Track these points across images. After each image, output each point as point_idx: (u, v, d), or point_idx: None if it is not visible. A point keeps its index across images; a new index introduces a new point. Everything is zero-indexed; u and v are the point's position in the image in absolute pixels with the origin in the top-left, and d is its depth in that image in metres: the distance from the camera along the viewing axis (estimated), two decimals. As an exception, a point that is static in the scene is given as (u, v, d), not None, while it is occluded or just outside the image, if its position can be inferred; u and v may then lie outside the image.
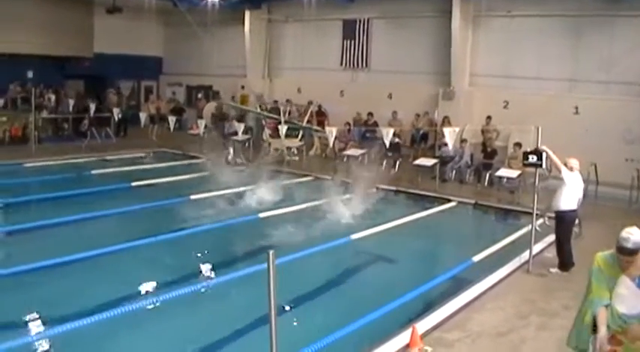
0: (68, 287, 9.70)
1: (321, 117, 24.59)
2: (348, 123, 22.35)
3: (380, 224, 13.23)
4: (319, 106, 24.91)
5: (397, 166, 19.76)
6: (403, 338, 7.44)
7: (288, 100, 25.47)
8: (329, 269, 10.81)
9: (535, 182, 10.78)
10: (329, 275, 10.49)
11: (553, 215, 11.02)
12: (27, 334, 7.82)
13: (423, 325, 7.90)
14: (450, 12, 21.24)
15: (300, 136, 22.13)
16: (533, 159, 10.37)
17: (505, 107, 20.59)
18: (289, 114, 23.52)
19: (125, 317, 8.25)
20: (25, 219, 13.29)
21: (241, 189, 16.82)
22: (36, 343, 7.64)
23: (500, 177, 17.08)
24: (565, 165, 10.43)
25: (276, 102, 26.13)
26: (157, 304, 8.83)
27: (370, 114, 22.38)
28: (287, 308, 8.79)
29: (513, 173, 16.52)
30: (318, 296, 9.74)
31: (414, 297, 9.35)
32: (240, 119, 24.60)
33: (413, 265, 11.09)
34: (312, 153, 22.31)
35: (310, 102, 24.75)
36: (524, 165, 11.24)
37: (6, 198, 15.38)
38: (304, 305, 9.28)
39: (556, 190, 10.60)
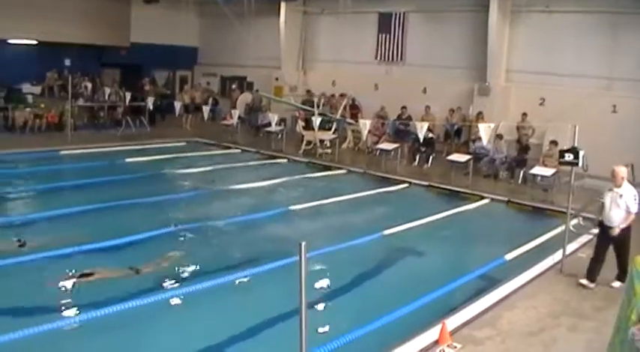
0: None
1: (354, 110, 24.52)
2: (381, 117, 22.27)
3: (412, 220, 13.14)
4: (353, 99, 24.84)
5: (430, 161, 19.64)
6: (432, 334, 7.43)
7: (323, 93, 25.46)
8: (360, 264, 10.75)
9: (570, 181, 10.65)
10: (360, 270, 10.45)
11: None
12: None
13: (453, 322, 7.87)
14: (488, 7, 20.98)
15: (333, 129, 22.07)
16: (569, 157, 10.24)
17: (541, 104, 20.33)
18: (323, 106, 23.50)
19: (157, 304, 8.45)
20: (61, 205, 13.47)
21: (273, 181, 16.88)
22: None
23: (535, 175, 16.89)
24: (614, 176, 9.57)
25: (309, 92, 26.12)
26: (184, 295, 8.94)
27: (404, 107, 22.25)
28: (318, 299, 8.81)
29: (548, 171, 16.33)
30: (349, 290, 9.72)
31: (445, 293, 9.33)
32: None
33: (444, 262, 11.03)
34: (344, 146, 22.27)
35: (344, 95, 24.71)
36: (560, 163, 11.10)
37: (43, 184, 15.69)
38: (335, 298, 9.30)
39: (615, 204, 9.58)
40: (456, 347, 7.21)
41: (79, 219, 12.70)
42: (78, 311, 8.23)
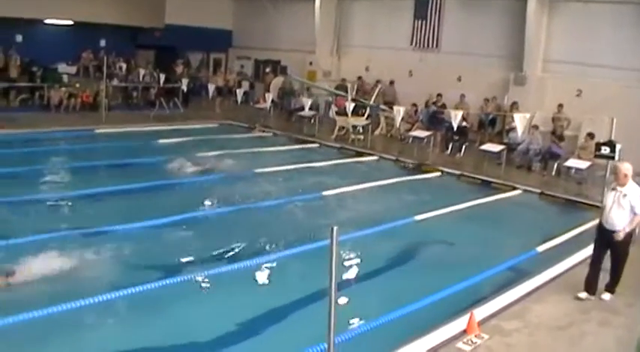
0: (141, 251, 10.02)
1: (389, 96, 24.40)
2: (415, 104, 22.16)
3: (443, 207, 13.12)
4: (391, 82, 24.71)
5: (463, 150, 19.50)
6: (460, 323, 7.40)
7: (359, 78, 25.38)
8: (390, 249, 10.78)
9: (606, 174, 10.50)
10: (391, 255, 10.49)
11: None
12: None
13: (482, 312, 7.82)
14: (526, -5, 20.79)
15: (366, 115, 21.99)
16: (605, 150, 10.11)
17: (578, 95, 20.02)
18: (356, 92, 23.45)
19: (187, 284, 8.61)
20: (95, 184, 13.72)
21: (305, 165, 16.90)
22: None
23: (569, 168, 16.69)
24: (617, 173, 8.69)
25: (343, 80, 26.04)
26: (213, 277, 9.02)
27: (439, 95, 22.09)
28: (348, 283, 8.84)
29: (583, 164, 16.12)
30: (379, 275, 9.76)
31: (474, 283, 9.29)
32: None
33: (474, 251, 10.93)
34: (377, 132, 22.19)
35: (378, 81, 24.63)
36: (596, 156, 10.96)
37: (79, 162, 15.95)
38: (365, 282, 9.32)
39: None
40: (483, 338, 7.17)
41: (109, 199, 12.90)
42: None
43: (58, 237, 10.07)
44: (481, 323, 7.49)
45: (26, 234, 9.95)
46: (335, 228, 4.73)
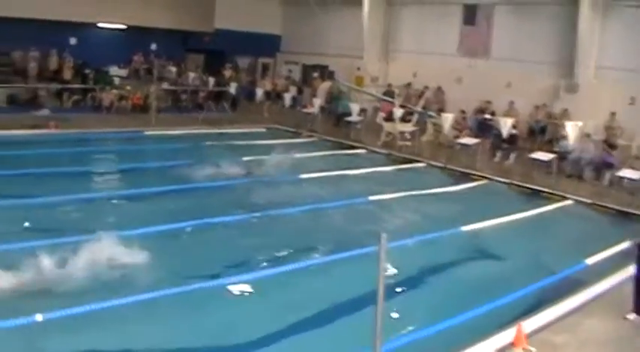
0: (186, 252, 10.15)
1: (436, 102, 24.24)
2: (463, 111, 21.96)
3: (491, 217, 12.93)
4: (439, 88, 24.53)
5: (512, 158, 19.23)
6: (508, 335, 7.27)
7: (409, 84, 25.27)
8: (437, 258, 10.70)
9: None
10: (437, 265, 10.40)
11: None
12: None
13: (530, 324, 7.67)
14: (578, 0, 20.42)
15: (414, 121, 21.85)
16: (661, 161, 9.86)
17: (631, 103, 19.65)
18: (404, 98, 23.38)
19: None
20: (145, 184, 14.03)
21: (352, 171, 16.86)
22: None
23: (621, 178, 16.35)
24: None
25: (390, 85, 25.94)
26: (255, 280, 9.08)
27: (488, 102, 21.86)
28: (394, 291, 8.78)
29: (636, 174, 15.77)
30: (425, 284, 9.71)
31: (522, 295, 9.15)
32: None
33: (523, 262, 10.77)
34: (424, 139, 22.04)
35: (426, 87, 24.49)
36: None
37: (128, 163, 16.24)
38: (411, 291, 9.26)
39: None
40: (531, 351, 7.04)
41: (156, 200, 13.12)
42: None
43: (108, 236, 10.23)
44: (529, 335, 7.33)
45: (76, 233, 10.14)
46: (384, 235, 4.71)
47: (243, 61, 33.11)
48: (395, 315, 7.85)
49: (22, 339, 6.93)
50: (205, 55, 32.13)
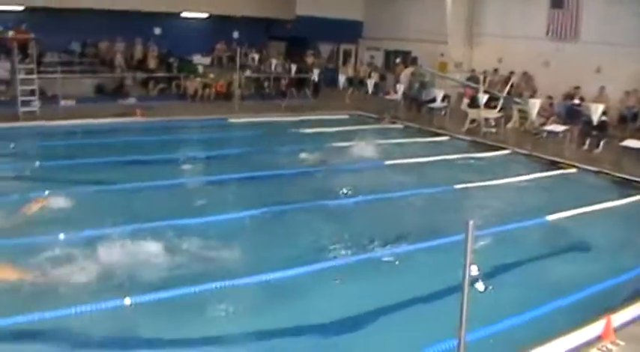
0: (270, 238, 10.32)
1: (522, 88, 23.68)
2: (551, 97, 21.38)
3: (579, 206, 12.52)
4: (525, 73, 23.97)
5: (601, 146, 18.59)
6: (596, 328, 7.09)
7: (496, 70, 24.79)
8: (523, 248, 10.47)
9: None
10: (522, 254, 10.14)
11: None
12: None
13: (619, 318, 7.44)
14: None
15: (499, 108, 21.39)
16: None
17: None
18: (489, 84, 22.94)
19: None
20: (230, 171, 14.25)
21: (436, 158, 16.68)
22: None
23: None
24: None
25: (473, 70, 25.50)
26: (341, 267, 9.11)
27: (577, 88, 21.19)
28: (478, 280, 8.64)
29: None
30: (510, 273, 9.49)
31: (611, 287, 8.85)
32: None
33: (612, 253, 10.43)
34: (509, 125, 21.58)
35: (512, 73, 23.96)
36: None
37: (212, 150, 16.75)
38: (492, 280, 9.08)
39: None
40: (619, 345, 6.84)
41: (240, 186, 13.39)
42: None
43: (194, 222, 10.51)
44: (617, 329, 7.13)
45: (164, 217, 10.42)
46: (470, 222, 4.62)
47: (325, 48, 33.14)
48: (480, 305, 7.72)
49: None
50: (287, 42, 32.32)
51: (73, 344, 6.76)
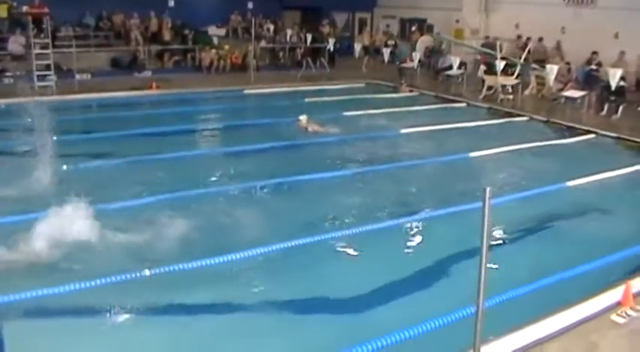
0: (286, 207, 10.39)
1: (539, 54, 23.39)
2: (568, 63, 21.13)
3: (598, 172, 12.42)
4: (540, 39, 23.66)
5: (619, 111, 18.39)
6: (615, 294, 7.04)
7: (519, 36, 24.45)
8: (541, 215, 10.38)
9: None
10: (540, 222, 10.09)
11: None
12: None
13: (638, 284, 7.38)
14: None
15: (516, 74, 21.15)
16: None
17: None
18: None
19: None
20: (247, 141, 14.33)
21: (453, 126, 16.60)
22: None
23: None
24: None
25: (487, 37, 25.22)
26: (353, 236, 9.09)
27: (595, 53, 20.92)
28: (496, 248, 8.63)
29: None
30: (529, 240, 9.47)
31: (631, 254, 8.77)
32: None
33: (631, 220, 10.35)
34: (527, 92, 21.37)
35: (528, 38, 23.66)
36: None
37: (229, 121, 16.84)
38: (514, 247, 9.10)
39: None
40: (638, 310, 6.80)
41: (258, 156, 13.40)
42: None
43: (210, 192, 10.72)
44: (637, 295, 7.09)
45: (185, 188, 10.67)
46: (487, 189, 4.58)
47: (340, 17, 32.89)
48: (498, 272, 7.72)
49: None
50: (302, 12, 32.15)
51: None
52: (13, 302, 6.77)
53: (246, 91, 21.14)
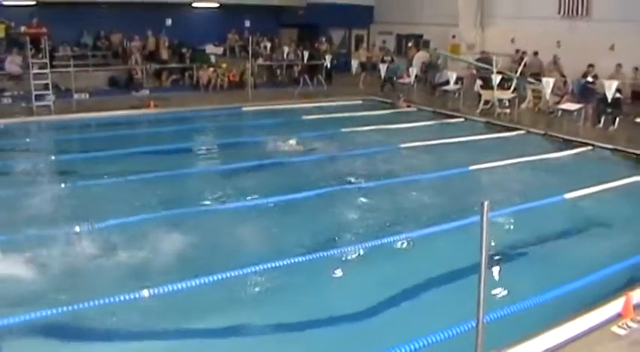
0: (286, 223, 10.39)
1: (534, 68, 23.47)
2: (564, 76, 21.22)
3: (596, 184, 12.45)
4: (535, 53, 23.73)
5: (616, 123, 18.45)
6: (615, 306, 7.03)
7: (517, 51, 24.50)
8: (539, 228, 10.38)
9: None
10: (539, 235, 10.08)
11: None
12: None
13: (639, 295, 7.38)
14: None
15: (512, 88, 21.22)
16: None
17: None
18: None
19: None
20: (246, 159, 14.39)
21: (450, 140, 16.65)
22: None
23: None
24: None
25: (483, 52, 25.32)
26: (361, 251, 9.10)
27: (591, 66, 21.00)
28: (495, 261, 8.64)
29: None
30: (527, 253, 9.47)
31: (630, 266, 8.78)
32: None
33: (630, 232, 10.36)
34: (523, 106, 21.44)
35: (524, 53, 23.77)
36: None
37: (228, 138, 16.89)
38: (512, 261, 9.11)
39: None
40: (639, 322, 6.81)
41: (257, 173, 13.46)
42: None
43: (208, 210, 10.75)
44: (637, 306, 7.09)
45: (188, 205, 10.77)
46: (486, 203, 4.61)
47: (337, 34, 33.03)
48: (498, 286, 7.75)
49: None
50: (299, 29, 32.28)
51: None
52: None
53: (244, 109, 21.17)
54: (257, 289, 7.96)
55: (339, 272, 8.53)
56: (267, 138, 16.38)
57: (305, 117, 19.80)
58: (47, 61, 19.21)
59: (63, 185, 11.81)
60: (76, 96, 20.07)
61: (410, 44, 29.13)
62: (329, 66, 25.95)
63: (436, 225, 10.20)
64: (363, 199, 11.81)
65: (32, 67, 18.94)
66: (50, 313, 6.88)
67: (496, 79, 20.35)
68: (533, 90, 21.50)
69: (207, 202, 11.26)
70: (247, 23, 29.76)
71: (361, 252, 9.08)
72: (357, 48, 32.10)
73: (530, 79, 21.77)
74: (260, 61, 27.05)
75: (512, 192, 12.33)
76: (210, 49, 27.35)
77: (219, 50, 27.80)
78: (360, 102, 23.38)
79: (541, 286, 7.81)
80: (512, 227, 10.07)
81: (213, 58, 26.24)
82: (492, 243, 9.19)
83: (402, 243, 9.50)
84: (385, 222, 10.37)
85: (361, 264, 8.83)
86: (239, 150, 15.81)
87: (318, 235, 9.70)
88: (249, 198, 11.44)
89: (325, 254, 8.85)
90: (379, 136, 17.08)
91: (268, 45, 28.78)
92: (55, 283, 7.85)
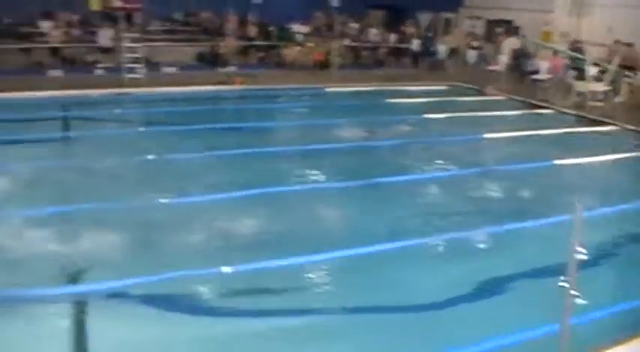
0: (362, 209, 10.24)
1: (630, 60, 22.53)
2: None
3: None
4: (630, 44, 22.74)
5: None
6: None
7: (618, 41, 23.64)
8: (632, 231, 9.94)
9: None
10: (631, 239, 9.69)
11: None
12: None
13: None
14: None
15: (608, 81, 20.37)
16: None
17: None
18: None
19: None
20: (327, 140, 14.41)
21: (538, 132, 16.19)
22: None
23: None
24: None
25: (576, 41, 24.44)
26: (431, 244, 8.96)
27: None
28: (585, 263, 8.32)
29: None
30: (619, 258, 9.08)
31: None
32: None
33: None
34: (618, 99, 20.63)
35: (620, 43, 22.82)
36: None
37: (312, 119, 17.07)
38: (602, 265, 8.66)
39: None
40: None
41: (337, 156, 13.46)
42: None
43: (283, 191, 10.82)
44: None
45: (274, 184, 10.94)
46: (579, 205, 4.44)
47: (425, 17, 32.57)
48: (585, 289, 7.45)
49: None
50: (386, 11, 31.99)
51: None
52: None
53: (327, 90, 21.16)
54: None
55: (413, 264, 8.37)
56: (351, 119, 16.32)
57: (389, 100, 19.65)
58: (140, 34, 19.60)
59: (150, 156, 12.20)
60: (164, 69, 20.41)
61: (500, 30, 28.44)
62: (415, 49, 25.62)
63: (517, 222, 9.81)
64: (442, 189, 11.71)
65: (124, 40, 19.33)
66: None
67: (590, 69, 19.60)
68: (630, 84, 20.63)
69: (292, 181, 11.39)
70: (335, 2, 29.58)
71: (437, 245, 8.94)
72: (446, 32, 31.55)
73: (627, 72, 20.88)
74: (346, 41, 26.92)
75: (601, 190, 11.86)
76: (296, 27, 27.40)
77: (306, 29, 27.80)
78: (446, 87, 22.97)
79: (631, 292, 7.53)
80: (600, 229, 9.59)
81: (299, 37, 26.25)
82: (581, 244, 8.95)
83: (482, 238, 9.24)
84: (463, 215, 10.17)
85: (436, 257, 8.73)
86: (321, 131, 15.78)
87: (392, 224, 9.52)
88: (334, 179, 11.56)
89: (396, 245, 8.69)
90: (463, 124, 16.81)
91: (355, 26, 28.61)
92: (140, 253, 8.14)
